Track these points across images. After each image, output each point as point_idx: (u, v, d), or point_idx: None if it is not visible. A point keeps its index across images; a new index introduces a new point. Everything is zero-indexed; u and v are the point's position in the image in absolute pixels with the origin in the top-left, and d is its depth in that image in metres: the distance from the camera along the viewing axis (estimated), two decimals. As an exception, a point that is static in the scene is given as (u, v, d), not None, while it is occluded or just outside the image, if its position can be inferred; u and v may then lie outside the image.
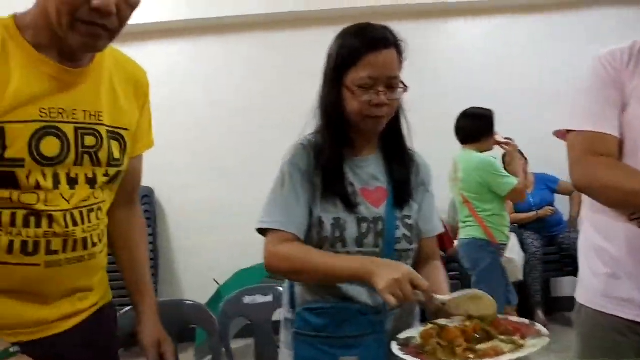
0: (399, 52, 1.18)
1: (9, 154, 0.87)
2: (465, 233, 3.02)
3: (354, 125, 1.20)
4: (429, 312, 1.10)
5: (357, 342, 1.14)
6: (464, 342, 0.97)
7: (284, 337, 1.26)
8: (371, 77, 1.14)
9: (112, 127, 1.02)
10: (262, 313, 1.86)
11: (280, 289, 1.93)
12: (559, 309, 3.83)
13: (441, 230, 1.33)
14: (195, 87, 4.14)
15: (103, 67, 1.02)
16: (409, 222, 1.23)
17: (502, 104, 3.31)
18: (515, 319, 1.08)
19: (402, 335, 1.05)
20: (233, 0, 3.95)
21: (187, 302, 1.77)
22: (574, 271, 3.22)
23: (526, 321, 1.06)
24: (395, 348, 1.00)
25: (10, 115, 0.87)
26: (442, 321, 1.05)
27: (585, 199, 1.26)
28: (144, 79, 1.12)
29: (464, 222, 3.04)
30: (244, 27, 4.11)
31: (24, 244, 0.91)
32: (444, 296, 1.08)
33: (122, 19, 0.89)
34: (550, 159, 3.20)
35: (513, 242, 3.05)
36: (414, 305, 1.24)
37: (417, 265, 1.26)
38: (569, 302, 1.38)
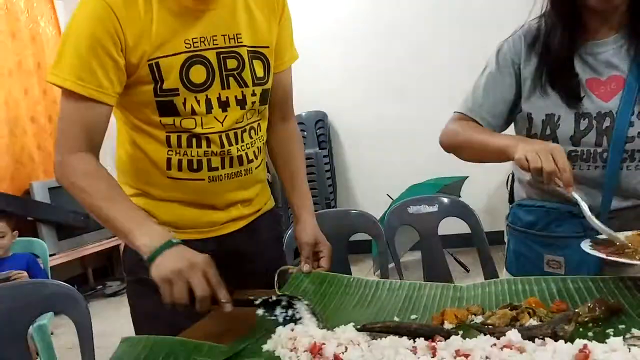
0: None
1: (166, 85, 0.98)
2: None
3: (584, 2, 1.03)
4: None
5: (564, 244, 1.10)
6: None
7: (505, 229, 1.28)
8: None
9: (253, 46, 1.06)
10: (428, 222, 1.84)
11: (446, 200, 1.89)
12: None
13: None
14: (363, 16, 4.14)
15: None
16: None
17: None
18: None
19: (603, 236, 0.97)
20: None
21: (353, 211, 1.86)
22: None
23: None
24: (585, 244, 0.94)
25: (160, 51, 0.96)
26: None
27: None
28: None
29: None
30: None
31: (190, 162, 1.04)
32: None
33: None
34: None
35: None
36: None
37: None
38: None
